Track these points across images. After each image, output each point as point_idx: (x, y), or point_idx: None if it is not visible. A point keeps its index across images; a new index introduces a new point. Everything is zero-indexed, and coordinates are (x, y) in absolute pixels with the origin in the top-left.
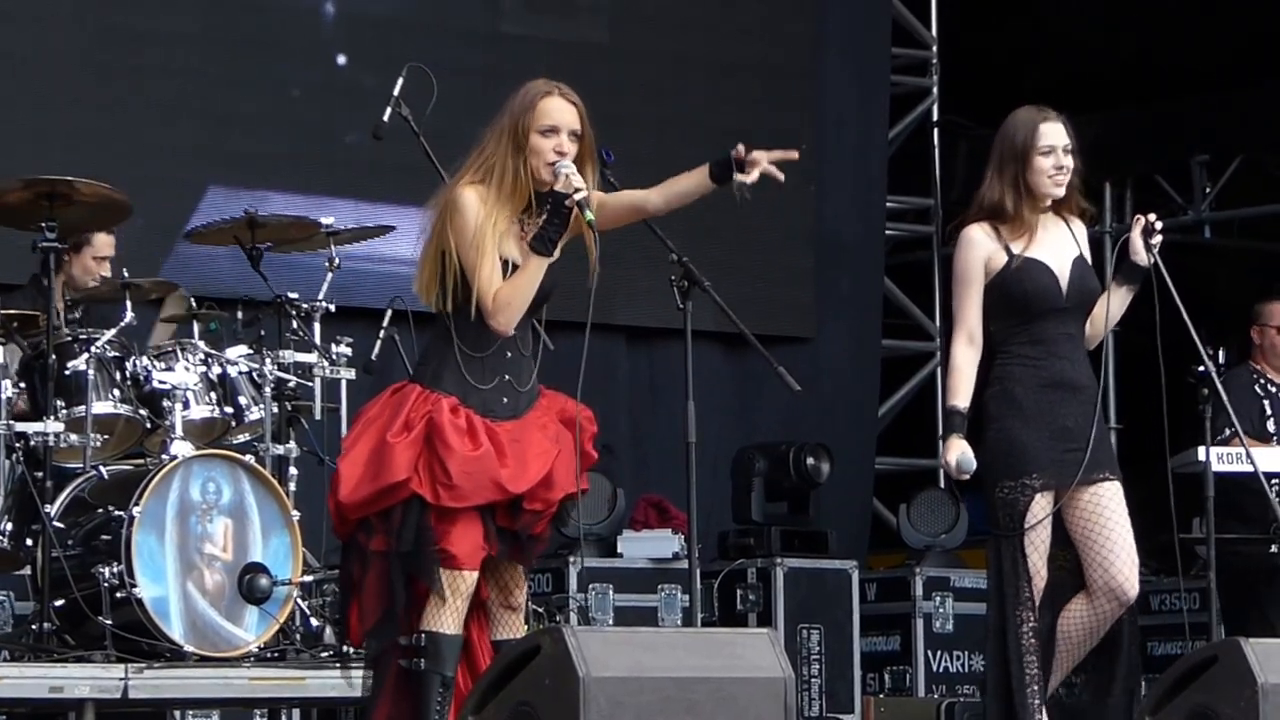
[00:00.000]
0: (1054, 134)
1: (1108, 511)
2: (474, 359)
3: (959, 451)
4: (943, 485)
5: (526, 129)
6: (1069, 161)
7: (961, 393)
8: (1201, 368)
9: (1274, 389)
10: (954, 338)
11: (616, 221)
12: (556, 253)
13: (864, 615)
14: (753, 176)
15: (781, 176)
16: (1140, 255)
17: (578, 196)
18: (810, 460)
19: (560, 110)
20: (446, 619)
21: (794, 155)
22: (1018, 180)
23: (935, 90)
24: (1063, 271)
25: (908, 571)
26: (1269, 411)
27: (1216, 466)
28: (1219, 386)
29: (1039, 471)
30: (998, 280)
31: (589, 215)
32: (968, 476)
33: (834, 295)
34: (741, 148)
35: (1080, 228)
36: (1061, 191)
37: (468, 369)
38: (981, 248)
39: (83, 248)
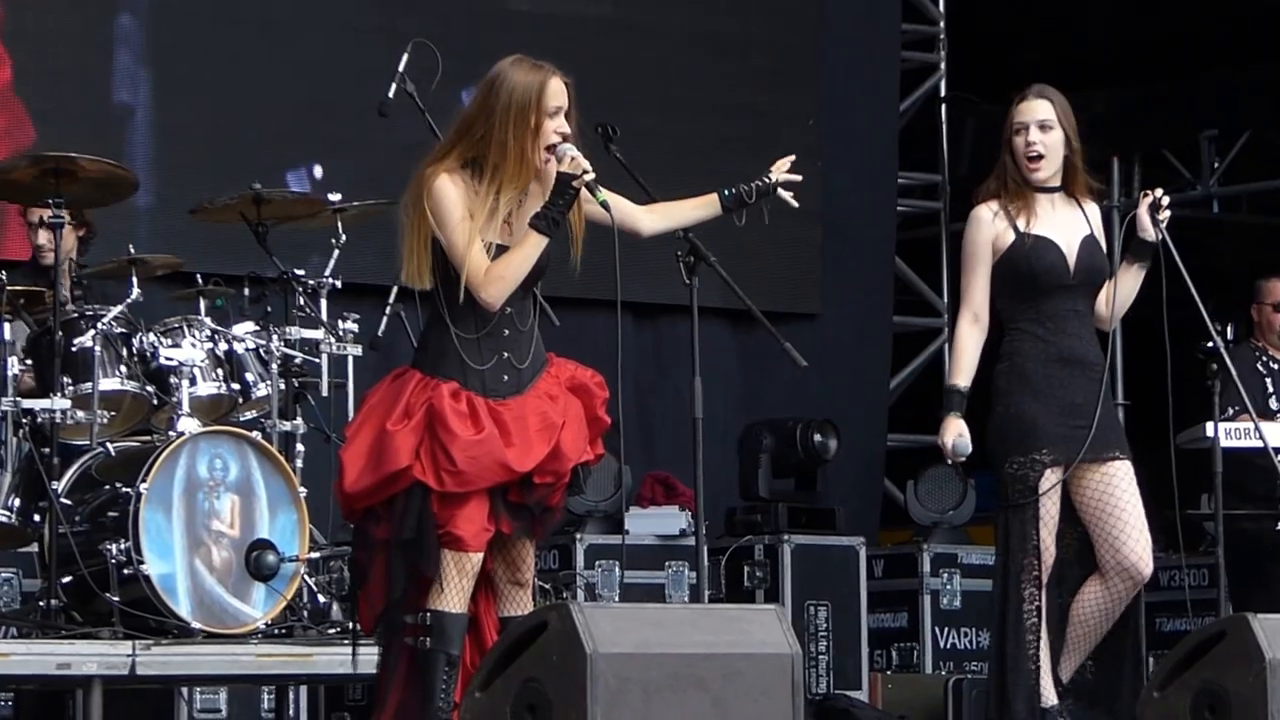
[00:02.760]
0: (1026, 111)
1: (1118, 491)
2: (470, 340)
3: (955, 433)
4: (950, 462)
5: (542, 110)
6: (1044, 137)
7: (963, 371)
8: (1210, 344)
9: (1276, 366)
10: (959, 316)
11: (602, 224)
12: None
13: (871, 592)
14: (787, 196)
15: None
16: (1148, 231)
17: (587, 178)
18: (817, 437)
19: (564, 92)
20: (452, 598)
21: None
22: (1007, 157)
23: (943, 66)
24: (1071, 249)
25: (915, 548)
26: (1271, 389)
27: (1224, 442)
28: (1228, 362)
29: (1049, 446)
30: (1005, 258)
31: (601, 195)
32: (962, 460)
33: (842, 271)
34: (772, 177)
35: (1094, 209)
36: (1039, 169)
37: (465, 351)
38: (988, 227)
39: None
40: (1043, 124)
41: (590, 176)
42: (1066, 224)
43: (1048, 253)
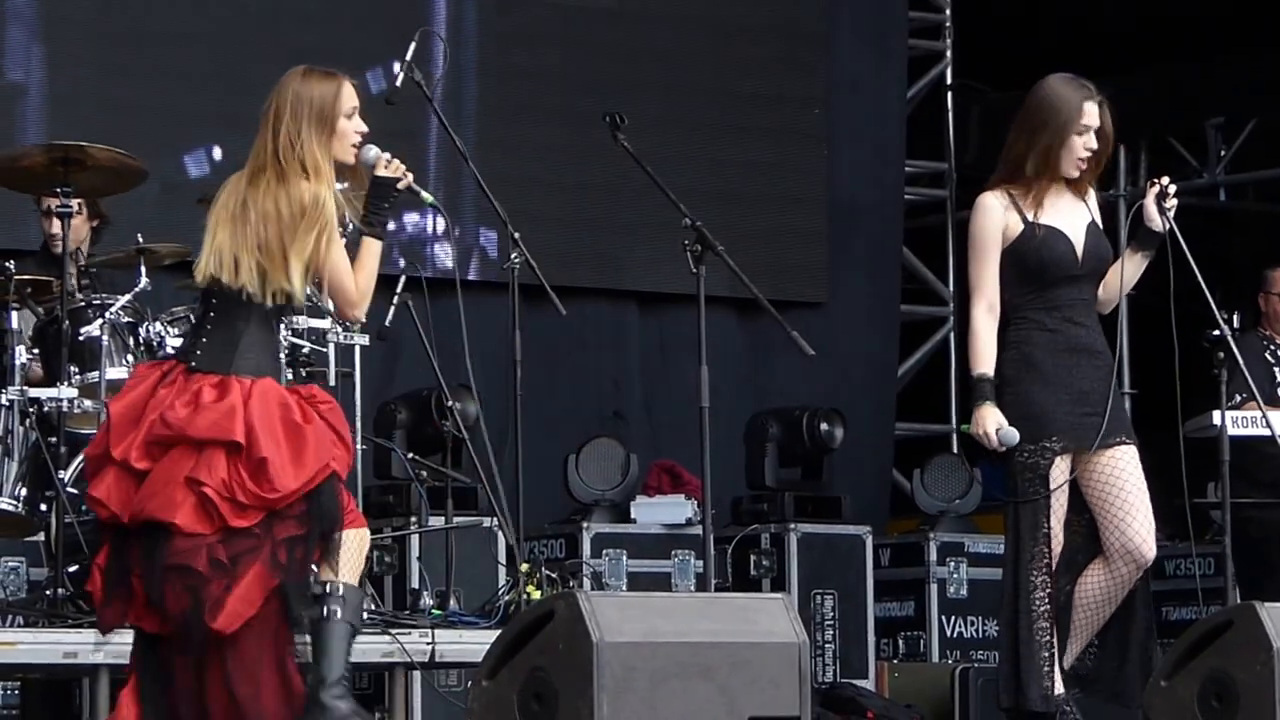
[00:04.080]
0: (1093, 115)
1: (1124, 475)
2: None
3: (996, 422)
4: (956, 450)
5: (336, 114)
6: (1096, 145)
7: (986, 360)
8: (1216, 332)
9: None
10: (973, 306)
11: None
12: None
13: (878, 580)
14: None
15: None
16: (1155, 221)
17: (409, 179)
18: (824, 425)
19: (355, 94)
20: (356, 573)
21: None
22: (1049, 150)
23: (949, 54)
24: (1077, 238)
25: (922, 537)
26: (1279, 377)
27: (1232, 430)
28: (1234, 351)
29: (1058, 434)
30: (1014, 247)
31: (428, 197)
32: (1006, 449)
33: (849, 260)
34: None
35: (1091, 194)
36: (1077, 174)
37: (278, 353)
38: (997, 215)
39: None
40: (1100, 131)
41: (410, 178)
42: (1071, 212)
43: (1058, 243)
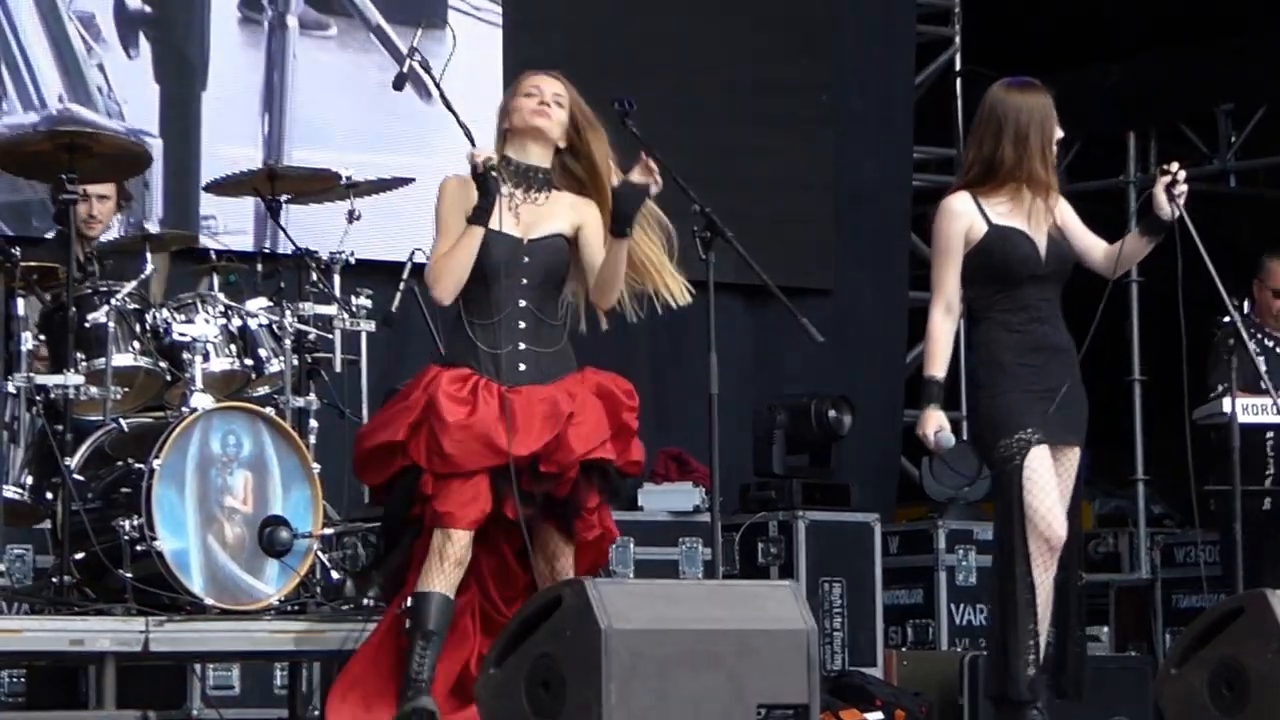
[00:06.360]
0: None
1: (1063, 476)
2: (483, 325)
3: (936, 426)
4: (965, 438)
5: (511, 100)
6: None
7: (939, 362)
8: (1226, 319)
9: (1270, 344)
10: (932, 306)
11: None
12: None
13: (886, 568)
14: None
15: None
16: (1164, 209)
17: (490, 163)
18: (832, 412)
19: (541, 79)
20: (433, 578)
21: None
22: (1043, 155)
23: (958, 39)
24: (1040, 239)
25: (930, 524)
26: (1265, 367)
27: (1243, 418)
28: (1244, 338)
29: (1033, 427)
30: (979, 248)
31: (492, 172)
32: (944, 450)
33: (857, 246)
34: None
35: (1056, 198)
36: (1050, 171)
37: (477, 336)
38: (962, 219)
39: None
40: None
41: (494, 161)
42: (1034, 215)
43: (1021, 244)
